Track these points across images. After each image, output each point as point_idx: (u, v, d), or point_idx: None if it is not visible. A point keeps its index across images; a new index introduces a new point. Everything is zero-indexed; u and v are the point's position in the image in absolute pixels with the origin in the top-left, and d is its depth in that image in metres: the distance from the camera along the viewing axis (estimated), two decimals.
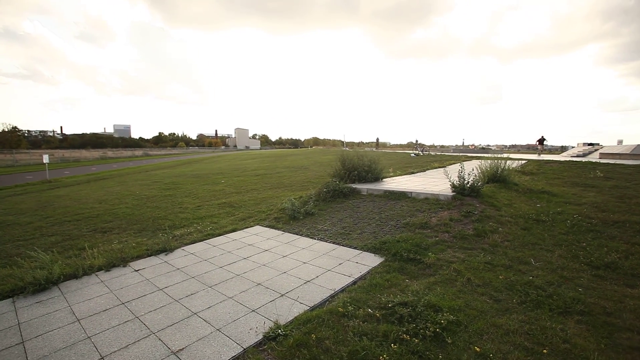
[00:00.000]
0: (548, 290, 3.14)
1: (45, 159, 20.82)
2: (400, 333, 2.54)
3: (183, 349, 2.58)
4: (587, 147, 22.63)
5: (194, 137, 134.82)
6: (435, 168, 12.48)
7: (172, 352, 2.55)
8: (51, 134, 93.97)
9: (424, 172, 11.22)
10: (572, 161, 13.46)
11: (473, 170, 7.16)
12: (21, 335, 2.86)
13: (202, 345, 2.62)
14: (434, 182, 8.40)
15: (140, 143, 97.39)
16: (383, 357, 2.28)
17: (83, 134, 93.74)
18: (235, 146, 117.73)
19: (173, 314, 3.12)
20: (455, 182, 6.52)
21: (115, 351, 2.58)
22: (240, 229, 5.96)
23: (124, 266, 4.36)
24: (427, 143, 23.58)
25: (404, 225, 5.28)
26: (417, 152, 24.11)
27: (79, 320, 3.07)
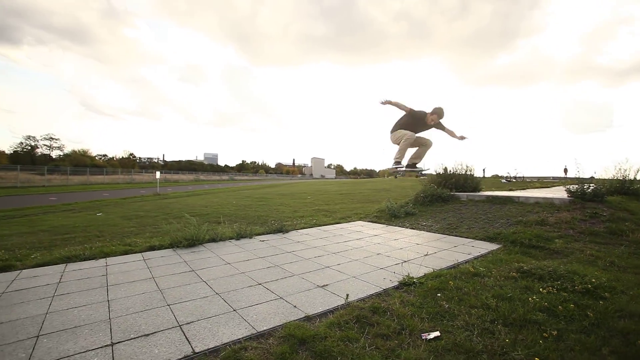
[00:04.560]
0: None
1: (158, 175, 24.51)
2: (544, 286, 2.50)
3: (327, 284, 2.90)
4: None
5: (273, 166, 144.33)
6: (537, 188, 11.46)
7: (318, 286, 2.89)
8: (155, 160, 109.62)
9: (524, 190, 10.39)
10: None
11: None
12: (189, 266, 3.51)
13: (342, 284, 2.91)
14: (542, 194, 7.77)
15: (226, 169, 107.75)
16: (532, 298, 2.28)
17: (180, 160, 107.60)
18: (311, 175, 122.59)
19: (308, 266, 3.50)
20: (572, 188, 6.01)
21: (268, 281, 3.01)
22: (342, 223, 6.31)
23: (250, 238, 4.98)
24: (519, 174, 21.44)
25: (517, 222, 5.04)
26: (509, 178, 22.18)
27: (229, 263, 3.63)
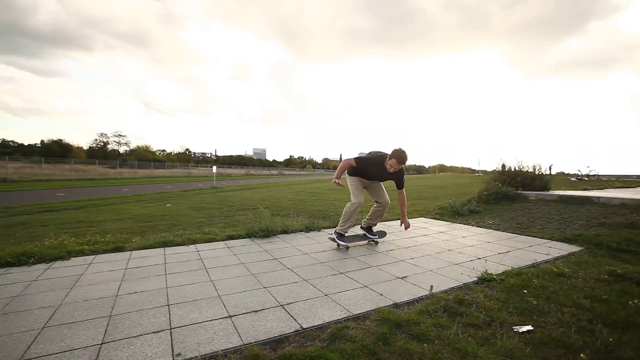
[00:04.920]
0: None
1: (214, 169, 26.13)
2: None
3: (406, 276, 3.05)
4: None
5: (319, 161, 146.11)
6: (619, 187, 10.45)
7: (397, 277, 3.04)
8: (209, 155, 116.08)
9: (604, 190, 9.54)
10: None
11: None
12: (271, 255, 3.84)
13: (420, 277, 3.03)
14: (627, 194, 7.12)
15: (274, 164, 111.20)
16: (633, 302, 2.23)
17: (230, 155, 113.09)
18: None
19: (382, 258, 3.66)
20: None
21: (349, 271, 3.23)
22: None
23: (319, 231, 5.25)
24: (592, 172, 19.25)
25: (599, 224, 4.74)
26: (579, 176, 20.21)
27: (306, 253, 3.91)
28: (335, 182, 3.97)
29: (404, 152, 3.70)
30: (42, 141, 57.03)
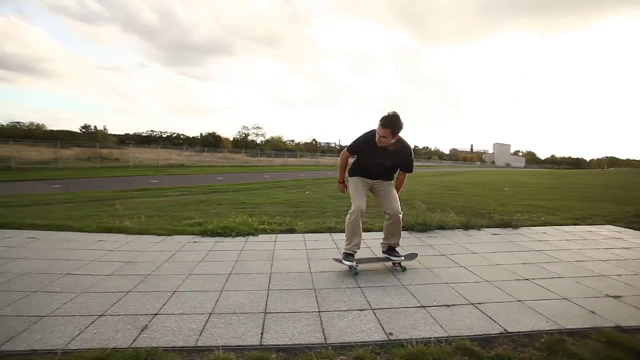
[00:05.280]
0: None
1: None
2: None
3: (620, 296, 2.59)
4: None
5: (446, 152, 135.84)
6: None
7: (607, 295, 2.61)
8: (333, 145, 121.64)
9: None
10: None
11: None
12: (437, 250, 3.80)
13: None
14: None
15: None
16: None
17: None
18: (493, 162, 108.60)
19: (574, 269, 3.19)
20: None
21: (535, 279, 2.93)
22: (584, 225, 5.36)
23: (478, 229, 4.92)
24: None
25: None
26: None
27: (475, 252, 3.72)
28: (339, 188, 3.56)
29: (394, 115, 2.73)
30: (201, 134, 71.18)
